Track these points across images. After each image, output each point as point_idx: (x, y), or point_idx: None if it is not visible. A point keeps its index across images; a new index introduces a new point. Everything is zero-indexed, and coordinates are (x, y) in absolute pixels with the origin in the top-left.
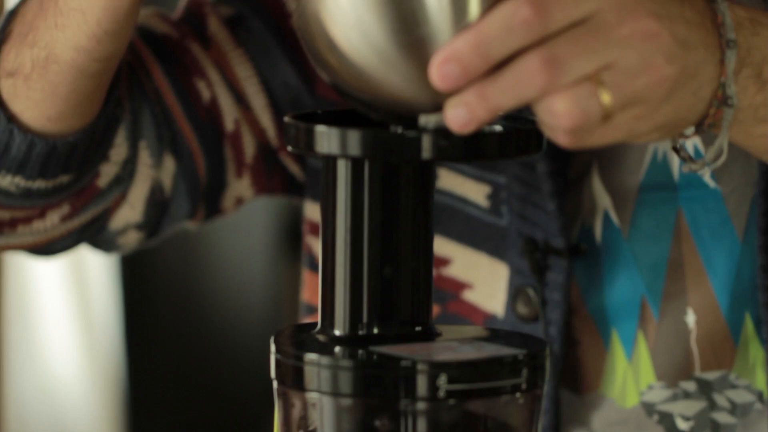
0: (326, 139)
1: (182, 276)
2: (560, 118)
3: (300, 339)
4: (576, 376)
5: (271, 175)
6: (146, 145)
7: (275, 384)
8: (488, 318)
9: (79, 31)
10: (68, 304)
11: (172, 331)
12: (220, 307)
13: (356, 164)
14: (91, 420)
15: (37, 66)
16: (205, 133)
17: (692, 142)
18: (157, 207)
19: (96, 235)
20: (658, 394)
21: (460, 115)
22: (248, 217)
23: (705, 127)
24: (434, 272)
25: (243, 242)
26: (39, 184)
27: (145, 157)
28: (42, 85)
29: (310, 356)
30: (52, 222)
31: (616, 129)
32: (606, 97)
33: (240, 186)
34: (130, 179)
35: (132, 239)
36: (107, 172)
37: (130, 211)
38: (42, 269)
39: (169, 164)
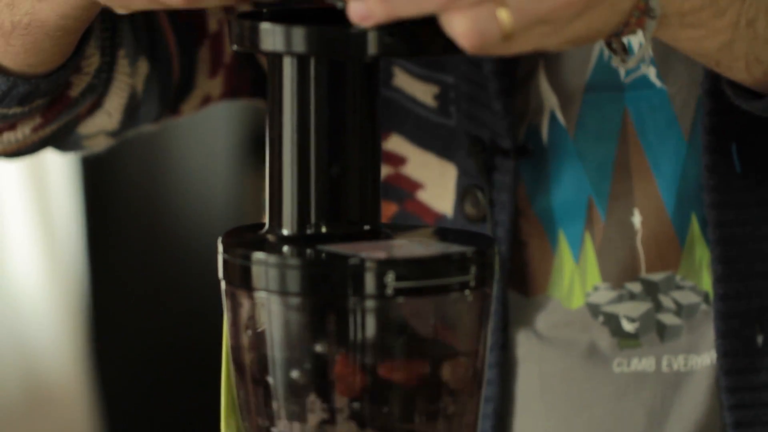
0: (271, 36)
1: (145, 181)
2: (458, 38)
3: (247, 239)
4: (523, 278)
5: (242, 76)
6: (125, 54)
7: (223, 284)
8: (439, 218)
9: (65, 4)
10: (28, 212)
11: (135, 238)
12: (183, 213)
13: (302, 62)
14: (53, 329)
15: (18, 28)
16: (185, 34)
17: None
18: (132, 113)
19: (63, 139)
20: (604, 296)
21: (359, 9)
22: (212, 121)
23: (625, 34)
24: (392, 171)
25: (206, 147)
26: (15, 110)
27: (123, 66)
28: (23, 42)
29: (258, 255)
30: (23, 133)
31: (520, 45)
32: (506, 19)
33: (211, 86)
34: (105, 87)
35: (100, 143)
36: (79, 82)
37: (107, 119)
38: None
39: (143, 68)
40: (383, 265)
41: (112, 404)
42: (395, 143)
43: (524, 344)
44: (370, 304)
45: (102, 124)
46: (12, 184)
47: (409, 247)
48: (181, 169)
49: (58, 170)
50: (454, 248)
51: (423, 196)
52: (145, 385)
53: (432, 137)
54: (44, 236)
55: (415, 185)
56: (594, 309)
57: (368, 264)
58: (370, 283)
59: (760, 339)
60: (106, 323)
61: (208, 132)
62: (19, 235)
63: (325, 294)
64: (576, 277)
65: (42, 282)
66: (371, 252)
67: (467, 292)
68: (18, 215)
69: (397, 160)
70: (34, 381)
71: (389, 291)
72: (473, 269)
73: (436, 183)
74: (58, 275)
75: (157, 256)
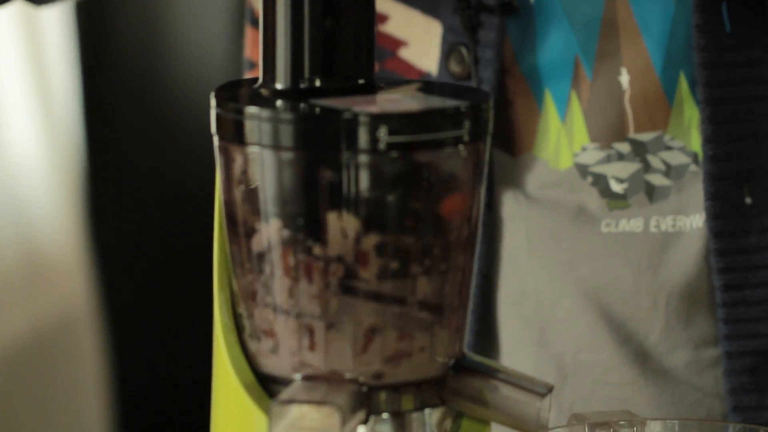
0: None
1: (141, 40)
2: None
3: (241, 93)
4: (509, 137)
5: None
6: None
7: (216, 140)
8: (423, 76)
9: None
10: (23, 77)
11: (131, 98)
12: (179, 70)
13: None
14: (50, 198)
15: None
16: None
17: None
18: None
19: None
20: (592, 156)
21: None
22: None
23: None
24: None
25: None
26: None
27: None
28: None
29: (251, 109)
30: None
31: None
32: None
33: None
34: None
35: None
36: None
37: None
38: None
39: None
40: (376, 119)
41: (109, 272)
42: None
43: (511, 204)
44: (362, 158)
45: None
46: (6, 49)
47: (403, 101)
48: (177, 25)
49: (53, 34)
50: (449, 102)
51: (406, 53)
52: (142, 251)
53: None
54: (40, 102)
55: (398, 43)
56: (582, 169)
57: (361, 118)
58: (363, 137)
59: (749, 201)
60: (103, 188)
61: None
62: (14, 101)
63: (317, 148)
64: (563, 137)
65: (38, 150)
66: (365, 106)
67: (461, 147)
68: (13, 81)
69: (377, 18)
70: (31, 251)
71: (382, 145)
72: (467, 124)
73: (420, 40)
74: (54, 142)
75: (153, 115)
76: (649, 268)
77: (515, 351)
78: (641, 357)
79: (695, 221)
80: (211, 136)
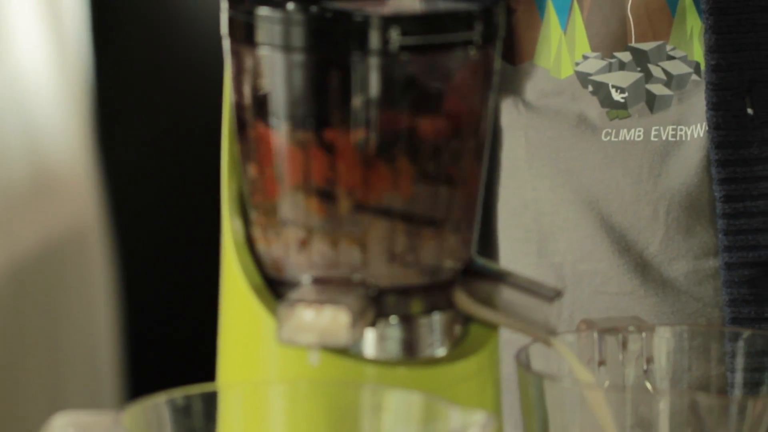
0: None
1: None
2: None
3: None
4: (510, 46)
5: None
6: None
7: (226, 42)
8: None
9: None
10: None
11: (137, 8)
12: None
13: None
14: (58, 107)
15: None
16: None
17: None
18: None
19: None
20: (593, 65)
21: None
22: None
23: None
24: None
25: None
26: None
27: None
28: None
29: (263, 10)
30: None
31: None
32: None
33: None
34: None
35: None
36: None
37: None
38: None
39: None
40: (388, 21)
41: (118, 186)
42: None
43: (510, 113)
44: (373, 60)
45: None
46: None
47: (414, 3)
48: None
49: None
50: (461, 5)
51: None
52: (151, 164)
53: None
54: (48, 19)
55: None
56: (583, 78)
57: (373, 19)
58: (374, 38)
59: (750, 112)
60: (112, 102)
61: None
62: (23, 17)
63: (328, 49)
64: (564, 46)
65: (47, 65)
66: (376, 8)
67: (472, 49)
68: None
69: None
70: (41, 167)
71: (393, 47)
72: (479, 26)
73: None
74: (63, 57)
75: (162, 27)
76: (649, 177)
77: (514, 261)
78: (641, 267)
79: (696, 131)
80: (220, 41)
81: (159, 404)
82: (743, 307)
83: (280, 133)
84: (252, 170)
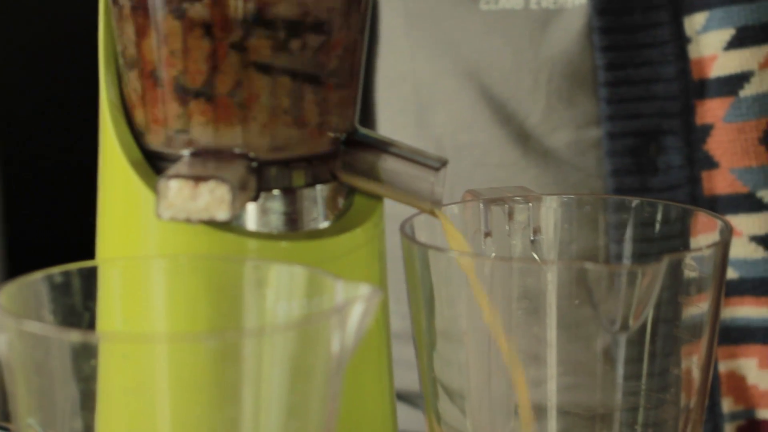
0: None
1: None
2: None
3: None
4: None
5: None
6: None
7: None
8: None
9: None
10: None
11: None
12: None
13: None
14: None
15: None
16: None
17: None
18: None
19: None
20: None
21: None
22: None
23: None
24: None
25: None
26: None
27: None
28: None
29: None
30: None
31: None
32: None
33: None
34: None
35: None
36: None
37: None
38: None
39: None
40: None
41: None
42: None
43: None
44: None
45: None
46: None
47: None
48: None
49: None
50: None
51: None
52: (27, 32)
53: None
54: None
55: None
56: None
57: None
58: None
59: None
60: None
61: None
62: None
63: None
64: None
65: None
66: None
67: None
68: None
69: None
70: None
71: None
72: None
73: None
74: None
75: None
76: (529, 46)
77: (393, 133)
78: (522, 138)
79: None
80: None
81: (36, 281)
82: (626, 177)
83: None
84: (127, 38)
